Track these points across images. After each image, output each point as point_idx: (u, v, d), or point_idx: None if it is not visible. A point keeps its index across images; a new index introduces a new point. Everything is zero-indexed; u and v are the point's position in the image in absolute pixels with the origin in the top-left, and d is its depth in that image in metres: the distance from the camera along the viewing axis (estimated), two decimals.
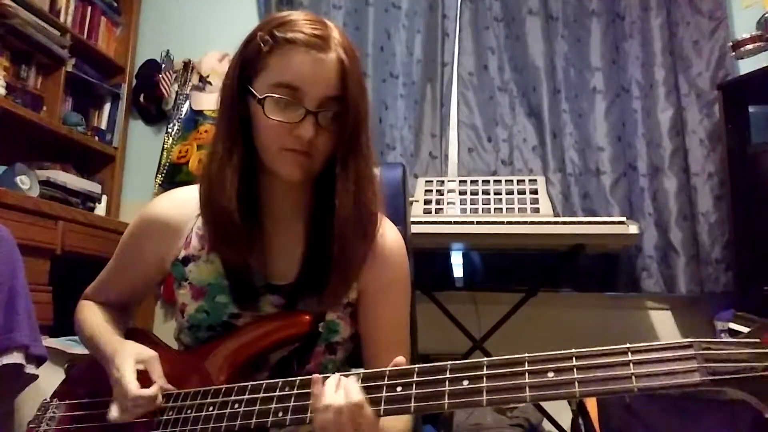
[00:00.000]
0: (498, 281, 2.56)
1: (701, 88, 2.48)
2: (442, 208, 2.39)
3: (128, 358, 0.86)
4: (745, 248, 2.17)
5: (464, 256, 2.63)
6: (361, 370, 0.72)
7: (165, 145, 2.90)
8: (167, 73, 2.97)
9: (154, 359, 0.86)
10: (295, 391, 0.74)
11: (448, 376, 0.66)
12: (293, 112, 0.84)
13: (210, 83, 2.90)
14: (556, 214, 2.36)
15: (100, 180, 2.85)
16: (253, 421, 0.75)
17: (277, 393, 0.75)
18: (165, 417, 0.82)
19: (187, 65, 2.98)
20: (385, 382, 0.69)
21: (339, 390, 0.70)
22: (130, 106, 3.04)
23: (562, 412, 2.07)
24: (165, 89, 2.94)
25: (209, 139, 2.90)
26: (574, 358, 0.61)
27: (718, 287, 2.32)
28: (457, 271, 2.64)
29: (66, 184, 2.52)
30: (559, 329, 2.44)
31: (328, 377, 0.72)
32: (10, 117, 2.31)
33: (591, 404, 1.82)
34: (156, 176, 2.88)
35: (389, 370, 0.70)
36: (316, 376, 0.73)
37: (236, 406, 0.77)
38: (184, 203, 0.98)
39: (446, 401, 0.65)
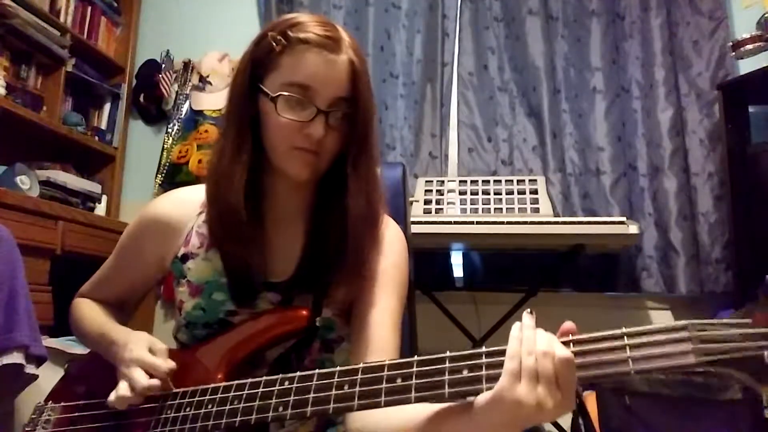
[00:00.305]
0: (498, 281, 2.56)
1: (701, 88, 2.48)
2: (442, 208, 2.39)
3: (143, 342, 0.86)
4: (745, 248, 2.17)
5: (464, 256, 2.63)
6: (361, 364, 0.72)
7: (165, 145, 2.91)
8: (167, 73, 2.97)
9: (165, 351, 0.87)
10: (295, 386, 0.74)
11: (447, 366, 0.66)
12: (304, 111, 0.85)
13: (210, 83, 2.91)
14: (556, 214, 2.37)
15: (100, 180, 2.85)
16: (254, 417, 0.75)
17: (276, 388, 0.75)
18: (164, 415, 0.82)
19: (187, 65, 2.98)
20: (385, 373, 0.69)
21: (543, 340, 0.62)
22: (130, 106, 3.05)
23: None
24: (165, 89, 2.95)
25: (210, 139, 2.94)
26: (571, 344, 0.62)
27: (718, 287, 2.33)
28: (457, 271, 2.64)
29: (66, 184, 2.52)
30: (559, 329, 2.44)
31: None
32: (10, 117, 2.31)
33: (591, 404, 1.82)
34: (156, 176, 2.88)
35: (388, 363, 0.70)
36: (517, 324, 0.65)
37: (235, 402, 0.77)
38: (184, 203, 0.99)
39: (446, 390, 0.65)
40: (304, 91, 0.85)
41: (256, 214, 0.91)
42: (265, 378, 0.77)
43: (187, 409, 0.81)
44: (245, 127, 0.89)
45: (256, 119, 0.89)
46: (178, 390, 0.84)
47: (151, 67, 3.03)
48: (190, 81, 2.96)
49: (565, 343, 0.62)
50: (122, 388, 0.82)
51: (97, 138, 2.86)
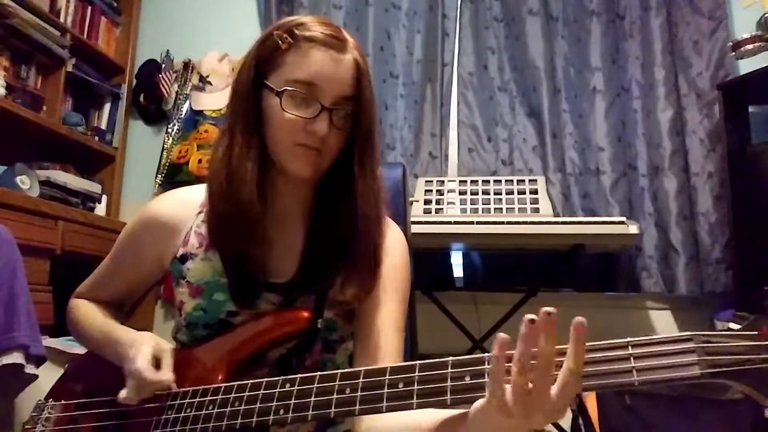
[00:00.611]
0: (498, 281, 2.56)
1: (701, 88, 2.48)
2: (442, 208, 2.39)
3: (148, 342, 0.87)
4: (745, 248, 2.17)
5: (464, 256, 2.63)
6: (363, 368, 0.72)
7: (165, 145, 2.91)
8: (167, 73, 2.97)
9: (169, 351, 0.87)
10: (296, 389, 0.74)
11: (450, 371, 0.66)
12: (308, 108, 0.85)
13: (210, 83, 2.91)
14: (556, 214, 2.37)
15: (100, 180, 2.85)
16: (254, 419, 0.75)
17: (277, 391, 0.75)
18: (165, 416, 0.82)
19: (187, 65, 2.98)
20: (387, 377, 0.69)
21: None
22: (130, 106, 3.04)
23: None
24: (165, 89, 2.94)
25: (211, 139, 2.93)
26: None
27: (718, 287, 2.32)
28: (457, 271, 2.64)
29: (66, 184, 2.52)
30: (559, 329, 2.42)
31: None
32: (10, 117, 2.31)
33: (591, 404, 1.82)
34: (156, 176, 2.88)
35: (390, 367, 0.70)
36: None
37: (237, 404, 0.77)
38: (183, 202, 0.98)
39: (448, 397, 0.65)
40: (309, 88, 0.85)
41: (261, 214, 0.90)
42: (266, 380, 0.77)
43: (188, 410, 0.80)
44: (252, 123, 0.89)
45: (259, 117, 0.89)
46: (179, 390, 0.84)
47: (151, 67, 3.03)
48: (190, 81, 2.95)
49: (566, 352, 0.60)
50: (132, 386, 0.83)
51: (97, 138, 2.86)
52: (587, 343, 0.60)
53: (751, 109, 2.37)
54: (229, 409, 0.77)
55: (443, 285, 2.53)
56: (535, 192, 2.37)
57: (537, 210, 2.31)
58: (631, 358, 0.58)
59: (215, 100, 2.89)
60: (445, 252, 2.59)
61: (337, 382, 0.71)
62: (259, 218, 0.87)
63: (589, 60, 2.62)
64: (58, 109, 2.63)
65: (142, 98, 3.02)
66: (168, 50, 3.02)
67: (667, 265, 2.39)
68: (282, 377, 0.76)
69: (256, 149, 0.88)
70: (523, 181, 2.43)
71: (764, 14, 2.24)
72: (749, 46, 2.20)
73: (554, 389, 0.57)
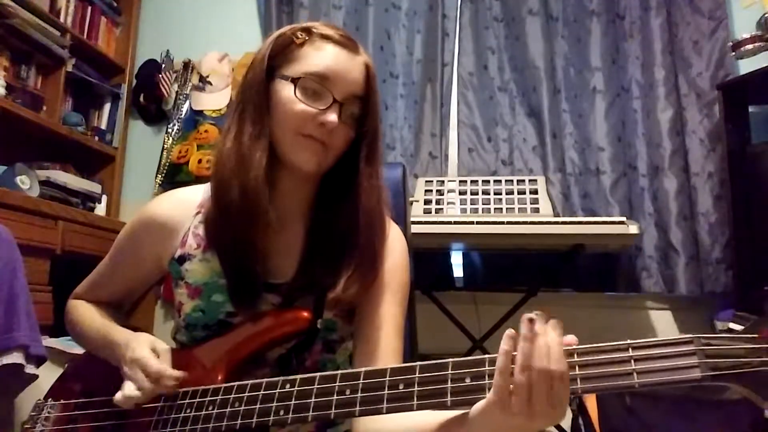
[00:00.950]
0: (498, 281, 2.56)
1: (701, 88, 2.48)
2: (442, 208, 2.39)
3: (144, 343, 0.87)
4: (745, 248, 2.17)
5: (464, 256, 2.63)
6: (363, 369, 0.72)
7: (165, 145, 2.91)
8: (167, 73, 2.97)
9: (167, 351, 0.87)
10: (296, 389, 0.74)
11: (450, 373, 0.66)
12: (319, 101, 0.87)
13: (210, 83, 2.90)
14: (556, 214, 2.37)
15: (100, 180, 2.85)
16: (254, 420, 0.75)
17: (277, 391, 0.75)
18: (164, 416, 0.82)
19: (187, 65, 2.98)
20: (387, 378, 0.69)
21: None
22: (130, 106, 3.05)
23: None
24: (165, 89, 2.95)
25: (211, 139, 2.93)
26: (575, 355, 0.61)
27: (718, 287, 2.32)
28: (457, 271, 2.64)
29: (66, 184, 2.52)
30: None
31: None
32: (10, 117, 2.31)
33: (591, 404, 1.82)
34: (156, 176, 2.88)
35: (391, 368, 0.70)
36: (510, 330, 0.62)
37: (236, 404, 0.77)
38: (181, 203, 0.98)
39: (449, 399, 0.65)
40: (322, 81, 0.87)
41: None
42: (266, 380, 0.77)
43: (188, 410, 0.80)
44: (264, 112, 0.90)
45: (268, 110, 0.90)
46: (178, 390, 0.84)
47: (151, 67, 3.03)
48: (190, 81, 2.95)
49: (569, 354, 0.61)
50: (129, 388, 0.82)
51: (97, 138, 2.86)
52: (588, 345, 0.61)
53: (751, 109, 2.37)
54: (228, 409, 0.77)
55: (443, 285, 2.53)
56: (535, 192, 2.37)
57: (537, 210, 2.31)
58: (632, 361, 0.59)
59: (215, 100, 2.89)
60: (445, 252, 2.59)
61: (338, 383, 0.71)
62: (266, 207, 0.87)
63: (589, 60, 2.62)
64: (58, 109, 2.63)
65: (142, 98, 3.02)
66: (168, 50, 3.02)
67: (667, 265, 2.39)
68: (282, 378, 0.76)
69: (266, 137, 0.89)
70: (523, 181, 2.43)
71: (764, 14, 2.24)
72: (749, 46, 2.20)
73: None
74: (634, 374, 0.58)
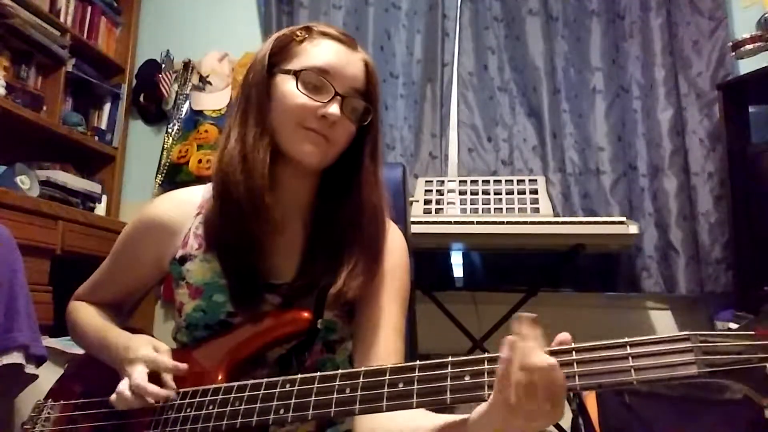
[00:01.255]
0: (498, 281, 2.56)
1: (701, 88, 2.48)
2: (442, 208, 2.39)
3: (144, 344, 0.87)
4: (745, 248, 2.17)
5: (464, 256, 2.63)
6: (363, 368, 0.72)
7: (165, 145, 2.91)
8: (167, 73, 2.98)
9: (167, 352, 0.87)
10: (297, 388, 0.74)
11: (449, 371, 0.66)
12: (321, 94, 0.88)
13: (210, 83, 2.90)
14: (556, 214, 2.37)
15: (100, 180, 2.85)
16: (254, 419, 0.75)
17: (277, 390, 0.75)
18: (165, 416, 0.82)
19: (187, 65, 2.98)
20: (387, 377, 0.69)
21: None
22: (130, 106, 3.05)
23: None
24: (165, 89, 2.95)
25: (211, 139, 2.93)
26: (573, 352, 0.62)
27: (718, 287, 2.32)
28: (457, 271, 2.64)
29: (66, 184, 2.52)
30: (559, 329, 2.42)
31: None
32: (10, 117, 2.31)
33: (591, 404, 1.82)
34: (156, 176, 2.88)
35: (390, 367, 0.70)
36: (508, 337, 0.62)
37: (237, 404, 0.77)
38: (182, 203, 0.98)
39: (448, 396, 0.65)
40: (323, 75, 0.88)
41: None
42: (266, 380, 0.77)
43: (188, 410, 0.81)
44: (266, 110, 0.90)
45: (270, 107, 0.91)
46: (179, 390, 0.84)
47: (151, 67, 3.03)
48: (190, 81, 2.95)
49: (567, 351, 0.62)
50: (123, 389, 0.83)
51: (97, 138, 2.86)
52: (587, 344, 0.61)
53: (751, 109, 2.37)
54: (229, 408, 0.77)
55: (443, 285, 2.53)
56: (535, 192, 2.37)
57: (537, 210, 2.31)
58: (629, 358, 0.59)
59: (215, 100, 2.89)
60: (445, 252, 2.59)
61: (337, 382, 0.72)
62: (270, 205, 0.87)
63: (589, 60, 2.62)
64: (58, 109, 2.63)
65: (142, 98, 3.02)
66: (168, 50, 3.02)
67: (667, 265, 2.39)
68: (282, 377, 0.76)
69: (269, 135, 0.89)
70: (523, 181, 2.43)
71: (764, 14, 2.24)
72: (749, 46, 2.20)
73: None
74: (632, 371, 0.58)
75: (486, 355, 0.66)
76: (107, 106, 2.97)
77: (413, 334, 1.26)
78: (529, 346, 0.59)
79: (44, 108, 2.58)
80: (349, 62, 0.90)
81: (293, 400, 0.73)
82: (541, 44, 2.62)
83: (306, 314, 0.87)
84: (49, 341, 1.73)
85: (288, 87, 0.88)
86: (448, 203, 2.40)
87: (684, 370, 0.57)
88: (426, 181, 2.48)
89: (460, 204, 2.40)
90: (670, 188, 2.42)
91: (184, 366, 0.85)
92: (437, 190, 2.44)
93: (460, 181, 2.47)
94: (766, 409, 0.55)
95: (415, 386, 0.67)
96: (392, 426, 0.78)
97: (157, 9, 3.16)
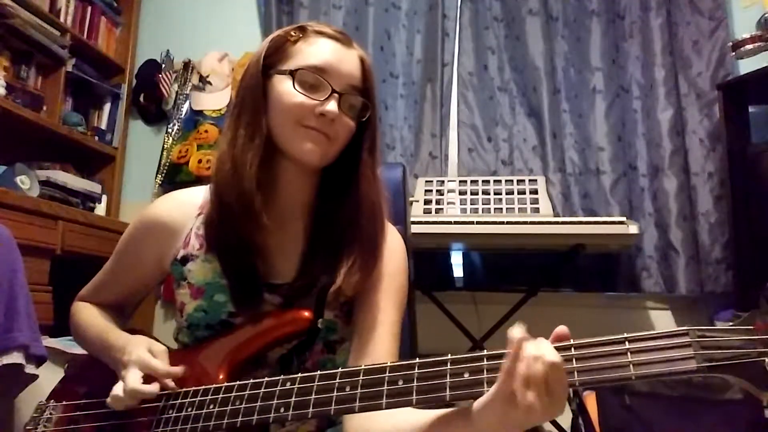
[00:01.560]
0: (498, 281, 2.56)
1: (701, 88, 2.48)
2: (442, 208, 2.39)
3: (141, 346, 0.87)
4: (745, 248, 2.17)
5: (464, 256, 2.63)
6: (363, 366, 0.72)
7: (165, 145, 2.91)
8: (167, 73, 2.98)
9: (164, 353, 0.87)
10: (297, 387, 0.74)
11: (449, 368, 0.66)
12: (318, 92, 0.88)
13: (210, 83, 2.91)
14: (556, 214, 2.37)
15: (100, 180, 2.85)
16: (255, 417, 0.75)
17: (278, 389, 0.75)
18: (165, 415, 0.82)
19: (187, 65, 2.98)
20: (387, 375, 0.69)
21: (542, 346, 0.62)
22: (130, 106, 3.05)
23: None
24: (165, 89, 2.95)
25: (211, 139, 2.93)
26: (572, 349, 0.62)
27: (718, 287, 2.32)
28: (457, 271, 2.64)
29: (66, 184, 2.52)
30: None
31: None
32: (10, 117, 2.31)
33: (591, 403, 1.82)
34: (156, 176, 2.88)
35: (390, 365, 0.70)
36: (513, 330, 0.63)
37: (237, 403, 0.77)
38: (183, 204, 0.99)
39: (447, 393, 0.65)
40: (320, 74, 0.88)
41: (263, 207, 0.90)
42: (266, 379, 0.77)
43: (189, 409, 0.81)
44: (259, 112, 0.90)
45: (266, 108, 0.90)
46: (179, 390, 0.84)
47: (151, 67, 3.03)
48: (190, 81, 2.95)
49: (567, 348, 0.62)
50: (119, 390, 0.83)
51: (97, 138, 2.86)
52: (585, 339, 0.61)
53: (751, 109, 2.37)
54: (229, 407, 0.77)
55: (443, 285, 2.53)
56: (535, 192, 2.37)
57: (537, 210, 2.31)
58: (628, 353, 0.59)
59: (215, 100, 2.89)
60: (445, 252, 2.59)
61: (338, 380, 0.72)
62: (259, 208, 0.87)
63: (589, 60, 2.62)
64: (58, 109, 2.63)
65: (142, 98, 3.02)
66: (168, 50, 3.02)
67: (667, 265, 2.39)
68: (282, 376, 0.76)
69: (260, 139, 0.89)
70: (523, 181, 2.43)
71: (764, 14, 2.24)
72: (749, 46, 2.19)
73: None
74: (631, 366, 0.58)
75: (485, 352, 0.66)
76: (107, 106, 2.97)
77: (413, 334, 1.26)
78: (539, 340, 0.60)
79: (44, 108, 2.58)
80: (345, 59, 0.90)
81: (293, 399, 0.73)
82: (541, 44, 2.62)
83: (307, 314, 0.88)
84: (49, 341, 1.73)
85: (285, 87, 0.89)
86: (448, 203, 2.40)
87: (683, 365, 0.57)
88: (426, 181, 2.48)
89: (460, 204, 2.40)
90: (670, 188, 2.42)
91: (176, 370, 0.85)
92: (437, 190, 2.44)
93: (460, 181, 2.47)
94: (766, 409, 0.55)
95: (415, 384, 0.67)
96: (387, 426, 0.78)
97: (157, 9, 3.16)
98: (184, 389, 0.83)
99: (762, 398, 0.54)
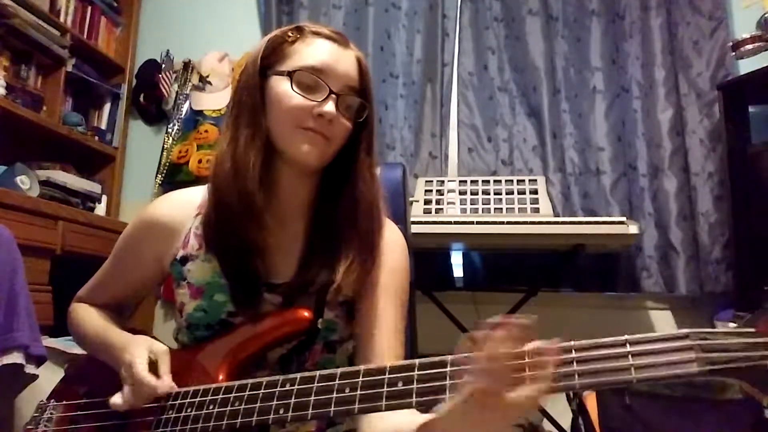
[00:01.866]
0: (498, 281, 2.56)
1: (701, 88, 2.48)
2: (442, 208, 2.39)
3: (142, 347, 0.87)
4: (745, 248, 2.17)
5: (464, 256, 2.63)
6: (363, 367, 0.72)
7: (165, 145, 2.91)
8: (167, 73, 2.98)
9: (165, 353, 0.87)
10: (296, 388, 0.74)
11: (448, 370, 0.66)
12: (316, 93, 0.88)
13: (210, 83, 2.91)
14: (556, 214, 2.37)
15: (100, 180, 2.85)
16: (254, 418, 0.75)
17: (277, 390, 0.75)
18: (165, 416, 0.82)
19: (187, 65, 2.98)
20: (386, 377, 0.69)
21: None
22: (130, 106, 3.05)
23: (562, 412, 2.07)
24: (165, 89, 2.95)
25: (211, 139, 2.93)
26: (573, 351, 0.61)
27: (718, 287, 2.32)
28: (457, 271, 2.64)
29: (66, 184, 2.52)
30: (559, 329, 2.41)
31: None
32: (10, 117, 2.31)
33: (591, 404, 1.82)
34: (156, 176, 2.88)
35: (390, 366, 0.70)
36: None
37: (237, 403, 0.77)
38: (182, 204, 0.99)
39: (447, 395, 0.65)
40: (317, 74, 0.88)
41: (264, 206, 0.90)
42: (266, 379, 0.77)
43: (189, 410, 0.81)
44: (259, 113, 0.90)
45: (264, 109, 0.90)
46: (179, 390, 0.84)
47: (151, 67, 3.03)
48: (190, 81, 2.96)
49: (567, 350, 0.62)
50: (117, 399, 0.83)
51: (97, 138, 2.86)
52: (585, 341, 0.61)
53: (751, 109, 2.37)
54: (229, 408, 0.77)
55: (443, 285, 2.53)
56: (535, 192, 2.37)
57: (537, 210, 2.31)
58: (629, 356, 0.59)
59: (215, 100, 2.89)
60: (445, 252, 2.59)
61: (337, 382, 0.72)
62: (261, 208, 0.88)
63: (589, 60, 2.62)
64: (58, 109, 2.63)
65: (142, 98, 3.02)
66: (168, 50, 3.03)
67: (667, 265, 2.39)
68: (282, 377, 0.76)
69: (260, 140, 0.89)
70: (523, 181, 2.42)
71: (764, 14, 2.24)
72: (749, 46, 2.19)
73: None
74: (632, 369, 0.58)
75: (485, 353, 0.66)
76: (107, 106, 2.98)
77: (413, 334, 1.25)
78: (499, 335, 0.61)
79: (44, 108, 2.58)
80: (342, 60, 0.91)
81: (293, 400, 0.73)
82: (541, 44, 2.62)
83: (306, 314, 0.87)
84: (49, 341, 1.73)
85: (282, 88, 0.89)
86: (448, 203, 2.40)
87: (684, 368, 0.56)
88: (426, 181, 2.48)
89: (460, 204, 2.40)
90: (670, 188, 2.42)
91: (165, 388, 0.83)
92: (437, 190, 2.44)
93: (460, 181, 2.47)
94: (766, 409, 0.55)
95: (415, 385, 0.67)
96: (392, 421, 0.78)
97: (157, 9, 3.16)
98: (184, 389, 0.83)
99: (763, 401, 0.54)
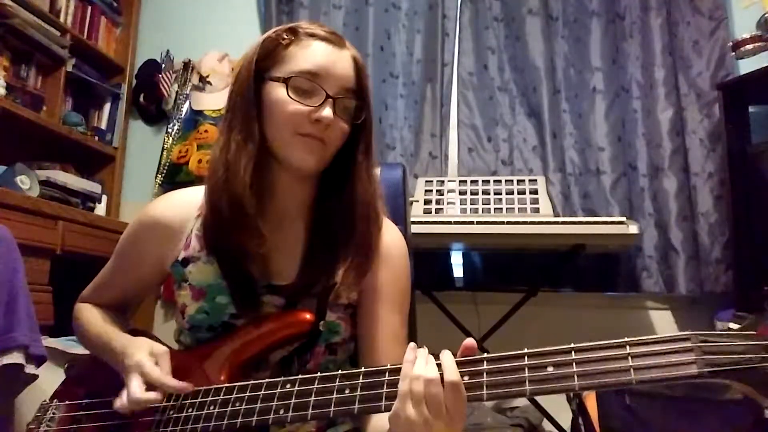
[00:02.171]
0: (498, 281, 2.56)
1: (701, 88, 2.48)
2: (442, 208, 2.39)
3: (141, 349, 0.87)
4: (745, 248, 2.17)
5: (464, 256, 2.63)
6: (362, 368, 0.72)
7: (165, 145, 2.91)
8: (167, 73, 2.98)
9: (165, 354, 0.87)
10: (297, 389, 0.74)
11: None
12: (312, 98, 0.87)
13: (210, 83, 2.90)
14: (556, 214, 2.37)
15: (100, 180, 2.85)
16: (254, 419, 0.75)
17: (278, 391, 0.75)
18: (166, 415, 0.82)
19: (187, 65, 2.98)
20: (386, 378, 0.69)
21: (431, 364, 0.69)
22: (130, 106, 3.04)
23: (562, 412, 2.07)
24: (165, 89, 2.95)
25: (211, 139, 2.94)
26: (573, 352, 0.62)
27: (718, 287, 2.32)
28: (457, 271, 2.64)
29: (66, 184, 2.52)
30: (560, 329, 2.44)
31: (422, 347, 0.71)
32: (10, 117, 2.31)
33: (591, 404, 1.82)
34: (156, 176, 2.88)
35: (390, 367, 0.70)
36: (412, 343, 0.72)
37: (237, 404, 0.77)
38: (183, 205, 0.98)
39: None
40: (313, 78, 0.87)
41: (259, 211, 0.90)
42: (267, 380, 0.77)
43: (190, 410, 0.81)
44: (252, 118, 0.89)
45: (259, 113, 0.90)
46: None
47: (151, 67, 3.03)
48: (190, 81, 2.95)
49: (567, 351, 0.62)
50: (123, 398, 0.83)
51: (97, 138, 2.86)
52: (586, 344, 0.61)
53: (751, 109, 2.37)
54: (229, 408, 0.77)
55: (443, 285, 2.53)
56: (535, 192, 2.37)
57: (537, 210, 2.31)
58: (629, 358, 0.59)
59: (215, 100, 2.89)
60: (445, 252, 2.59)
61: (337, 382, 0.72)
62: (253, 213, 0.87)
63: (589, 60, 2.61)
64: (58, 109, 2.63)
65: (142, 98, 3.02)
66: (168, 50, 3.02)
67: (667, 265, 2.39)
68: (283, 378, 0.76)
69: (253, 144, 0.89)
70: (523, 181, 2.43)
71: (764, 14, 2.24)
72: (749, 46, 2.20)
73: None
74: (632, 371, 0.58)
75: (485, 355, 0.66)
76: (107, 106, 2.97)
77: (413, 335, 1.25)
78: (430, 358, 0.67)
79: (44, 108, 2.58)
80: (338, 62, 0.90)
81: (293, 400, 0.73)
82: (541, 44, 2.62)
83: (308, 316, 0.88)
84: (49, 341, 1.73)
85: (279, 94, 0.88)
86: (448, 203, 2.40)
87: (684, 370, 0.57)
88: (426, 181, 2.48)
89: (460, 204, 2.40)
90: (670, 188, 2.42)
91: (174, 383, 0.83)
92: (437, 190, 2.44)
93: (460, 181, 2.47)
94: (766, 410, 0.55)
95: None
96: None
97: (157, 9, 3.16)
98: None
99: (763, 403, 0.54)
